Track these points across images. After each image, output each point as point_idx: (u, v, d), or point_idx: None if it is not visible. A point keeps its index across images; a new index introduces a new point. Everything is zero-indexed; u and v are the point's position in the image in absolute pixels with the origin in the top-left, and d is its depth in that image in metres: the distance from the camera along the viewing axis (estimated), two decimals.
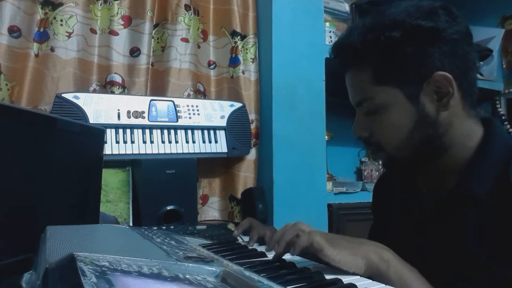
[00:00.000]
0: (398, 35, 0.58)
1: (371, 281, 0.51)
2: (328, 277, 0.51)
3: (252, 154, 1.41)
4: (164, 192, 1.16)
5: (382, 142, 0.65)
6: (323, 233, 0.59)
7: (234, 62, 1.45)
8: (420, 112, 0.61)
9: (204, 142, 1.28)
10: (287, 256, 0.64)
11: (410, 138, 0.62)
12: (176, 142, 1.23)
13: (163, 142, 1.21)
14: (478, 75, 1.68)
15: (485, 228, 0.57)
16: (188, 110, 1.28)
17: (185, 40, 1.37)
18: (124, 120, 1.16)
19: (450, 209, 0.62)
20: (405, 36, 0.58)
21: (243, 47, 1.46)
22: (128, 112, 1.18)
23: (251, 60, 1.44)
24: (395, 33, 0.58)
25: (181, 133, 1.25)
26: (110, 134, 1.13)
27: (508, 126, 1.74)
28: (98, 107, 1.14)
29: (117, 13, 1.26)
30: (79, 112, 1.10)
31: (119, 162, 1.19)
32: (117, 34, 1.26)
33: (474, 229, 0.57)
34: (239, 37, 1.46)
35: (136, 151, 1.16)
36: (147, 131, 1.20)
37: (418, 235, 0.67)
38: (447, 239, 0.61)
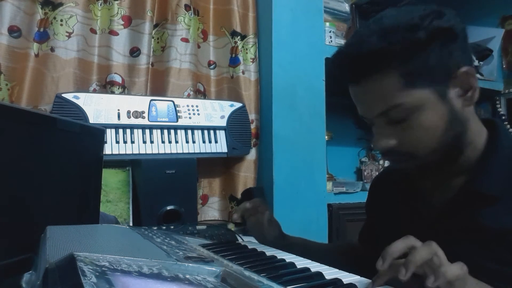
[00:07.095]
0: (424, 36, 0.57)
1: (370, 280, 0.51)
2: (328, 277, 0.51)
3: (252, 154, 1.41)
4: (164, 192, 1.16)
5: (415, 148, 0.62)
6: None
7: (234, 62, 1.45)
8: (450, 110, 0.60)
9: (204, 142, 1.28)
10: (287, 256, 0.64)
11: (443, 139, 0.61)
12: (176, 142, 1.23)
13: (163, 142, 1.21)
14: (478, 75, 1.67)
15: (501, 225, 0.57)
16: (188, 110, 1.28)
17: (185, 40, 1.37)
18: (124, 120, 1.16)
19: (461, 208, 0.62)
20: (430, 36, 0.58)
21: (243, 47, 1.46)
22: (128, 112, 1.18)
23: (251, 60, 1.44)
24: (420, 34, 0.57)
25: (181, 133, 1.25)
26: (110, 134, 1.13)
27: (508, 126, 1.74)
28: (98, 107, 1.14)
29: (117, 13, 1.27)
30: (79, 112, 1.10)
31: (119, 162, 1.19)
32: (117, 34, 1.26)
33: (489, 227, 0.58)
34: (239, 37, 1.46)
35: (136, 151, 1.16)
36: (147, 131, 1.20)
37: (426, 235, 0.66)
38: (461, 237, 0.61)
